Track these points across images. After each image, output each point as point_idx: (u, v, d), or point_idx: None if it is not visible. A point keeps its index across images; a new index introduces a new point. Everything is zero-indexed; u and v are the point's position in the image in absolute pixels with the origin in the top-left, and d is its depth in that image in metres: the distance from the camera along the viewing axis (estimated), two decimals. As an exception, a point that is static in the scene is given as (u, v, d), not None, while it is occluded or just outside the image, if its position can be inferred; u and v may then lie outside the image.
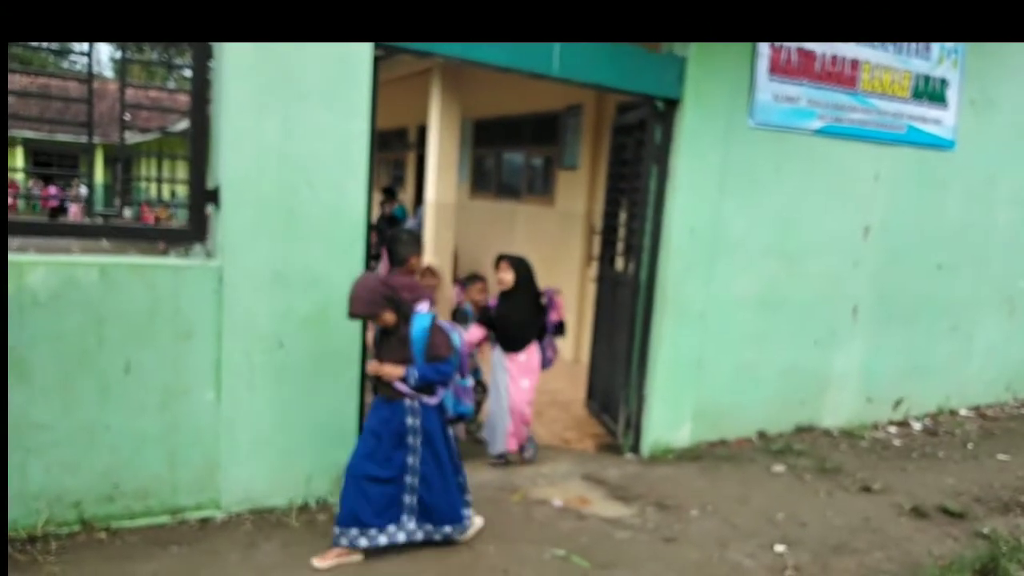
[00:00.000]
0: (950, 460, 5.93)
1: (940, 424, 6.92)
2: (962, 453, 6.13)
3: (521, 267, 5.08)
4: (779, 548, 4.16)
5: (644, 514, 4.54)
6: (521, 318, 5.07)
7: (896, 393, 6.88)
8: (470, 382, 3.94)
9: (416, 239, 4.70)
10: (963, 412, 7.32)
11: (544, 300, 5.16)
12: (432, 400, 3.72)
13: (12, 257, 3.50)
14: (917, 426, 6.82)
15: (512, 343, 5.10)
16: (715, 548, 4.13)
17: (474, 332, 5.05)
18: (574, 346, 8.61)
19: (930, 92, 6.37)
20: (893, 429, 6.70)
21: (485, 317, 5.14)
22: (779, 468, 5.43)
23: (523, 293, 5.06)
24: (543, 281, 9.02)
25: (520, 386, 5.09)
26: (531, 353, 5.14)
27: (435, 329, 3.62)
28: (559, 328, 5.28)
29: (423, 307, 3.65)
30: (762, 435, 6.11)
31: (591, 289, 7.09)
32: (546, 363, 5.27)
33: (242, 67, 3.78)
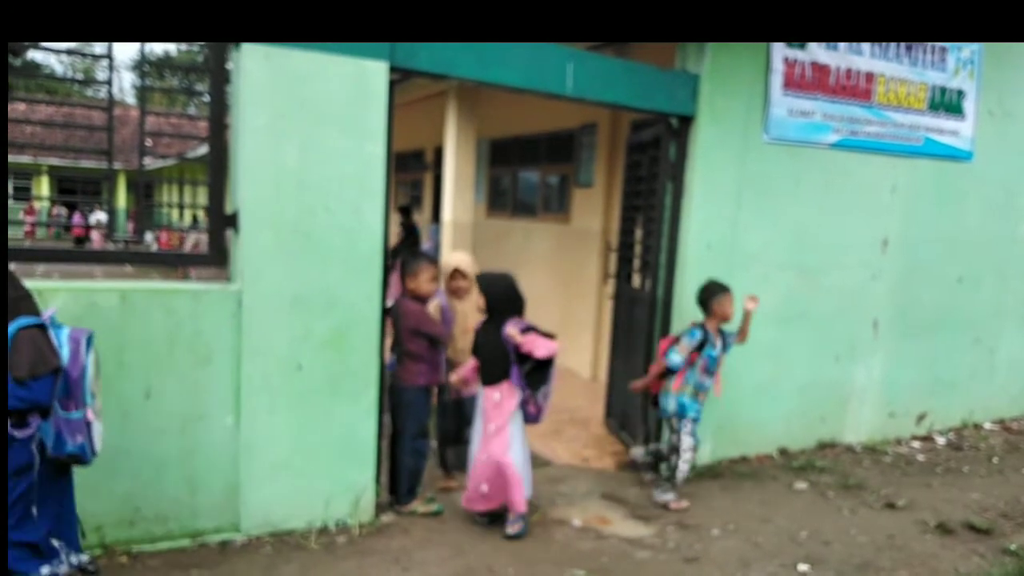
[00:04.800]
0: (975, 475, 5.85)
1: (964, 438, 6.83)
2: (987, 468, 6.04)
3: (492, 289, 4.40)
4: (803, 567, 4.12)
5: (664, 534, 4.50)
6: (489, 349, 4.39)
7: (919, 407, 6.80)
8: (84, 415, 2.91)
9: (419, 259, 4.67)
10: (987, 426, 7.22)
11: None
12: (19, 432, 2.86)
13: (34, 284, 3.55)
14: (941, 441, 6.73)
15: (485, 375, 4.44)
16: (737, 568, 4.09)
17: (468, 363, 4.57)
18: (592, 363, 8.60)
19: (947, 103, 6.34)
20: (916, 444, 6.61)
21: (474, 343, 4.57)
22: (801, 485, 5.38)
23: (497, 320, 4.37)
24: (558, 300, 9.05)
25: (487, 431, 4.37)
26: (507, 394, 4.38)
27: (18, 341, 2.78)
28: (532, 376, 4.38)
29: (50, 312, 2.95)
30: (783, 452, 6.05)
31: (608, 307, 7.08)
32: (527, 418, 4.45)
33: (259, 92, 3.84)
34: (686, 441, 4.87)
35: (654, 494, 4.98)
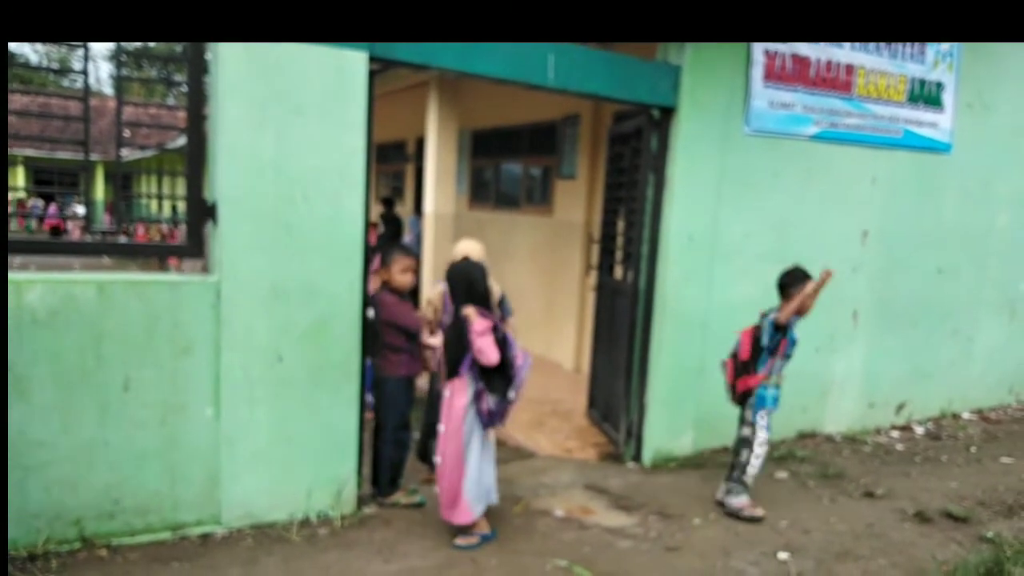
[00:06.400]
0: (953, 464, 5.92)
1: (943, 428, 6.91)
2: (965, 457, 6.11)
3: (453, 275, 4.13)
4: (782, 556, 4.15)
5: (647, 523, 4.52)
6: (448, 338, 4.13)
7: (898, 397, 6.87)
8: None
9: (394, 250, 4.62)
10: (966, 415, 7.30)
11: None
12: None
13: (11, 275, 3.51)
14: (920, 430, 6.80)
15: (446, 368, 4.14)
16: (718, 557, 4.11)
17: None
18: (575, 355, 8.61)
19: (926, 96, 6.38)
20: (896, 434, 6.68)
21: None
22: (782, 475, 5.42)
23: (460, 310, 4.07)
24: (541, 292, 9.04)
25: (440, 433, 4.09)
26: (457, 391, 4.04)
27: None
28: (484, 376, 3.94)
29: None
30: (764, 442, 6.09)
31: (590, 298, 7.08)
32: (482, 418, 4.01)
33: (238, 83, 3.79)
34: (761, 435, 4.58)
35: (726, 501, 4.67)
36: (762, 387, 4.61)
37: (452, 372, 4.07)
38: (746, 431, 4.63)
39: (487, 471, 4.12)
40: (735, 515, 4.61)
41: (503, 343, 3.93)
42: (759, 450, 4.59)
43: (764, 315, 4.68)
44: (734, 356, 4.71)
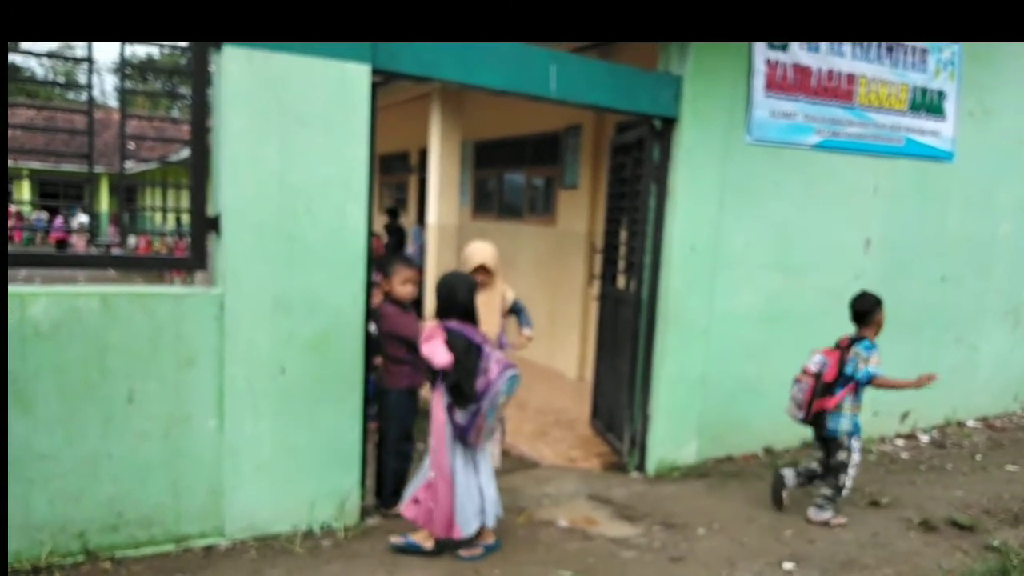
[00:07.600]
0: (958, 472, 5.89)
1: (947, 436, 6.89)
2: (970, 465, 6.09)
3: (439, 290, 4.01)
4: (787, 566, 4.13)
5: (650, 533, 4.51)
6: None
7: (902, 406, 6.85)
8: None
9: (395, 261, 4.62)
10: (970, 423, 7.28)
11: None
12: None
13: (14, 288, 3.52)
14: (924, 438, 6.78)
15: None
16: (723, 567, 4.10)
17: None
18: (578, 364, 8.61)
19: (928, 104, 6.39)
20: (900, 442, 6.66)
21: None
22: (786, 484, 5.40)
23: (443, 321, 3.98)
24: (545, 301, 9.04)
25: (431, 443, 4.04)
26: (435, 404, 3.95)
27: None
28: (453, 389, 3.84)
29: None
30: (768, 451, 6.08)
31: (593, 308, 7.09)
32: (456, 431, 3.89)
33: (241, 95, 3.82)
34: (855, 458, 4.67)
35: (810, 513, 4.77)
36: (855, 416, 4.66)
37: (432, 386, 3.99)
38: (842, 455, 4.67)
39: (474, 485, 3.99)
40: (823, 525, 4.73)
41: (465, 352, 3.79)
42: (853, 471, 4.71)
43: (846, 346, 4.68)
44: (816, 376, 4.66)
